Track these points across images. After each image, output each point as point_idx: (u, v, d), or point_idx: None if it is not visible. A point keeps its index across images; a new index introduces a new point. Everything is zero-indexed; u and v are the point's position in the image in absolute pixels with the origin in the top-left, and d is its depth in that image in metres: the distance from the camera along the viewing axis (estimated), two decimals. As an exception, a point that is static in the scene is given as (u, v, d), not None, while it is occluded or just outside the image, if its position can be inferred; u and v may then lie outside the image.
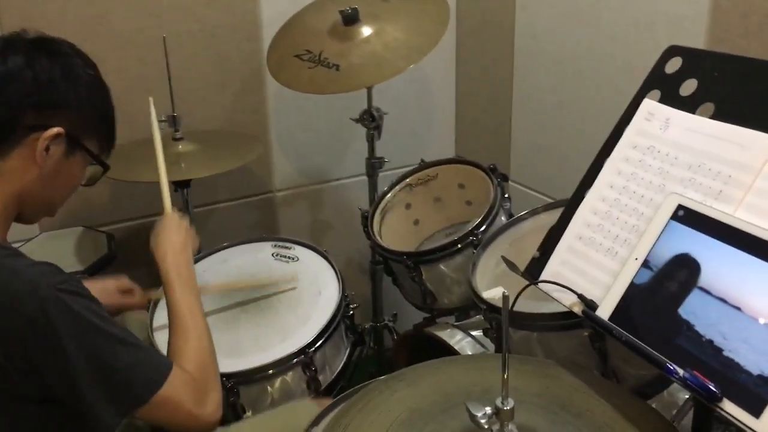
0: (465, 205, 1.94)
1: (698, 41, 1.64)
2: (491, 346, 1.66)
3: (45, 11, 1.92)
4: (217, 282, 1.69)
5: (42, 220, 1.26)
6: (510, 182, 1.95)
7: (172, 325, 1.23)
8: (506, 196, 1.76)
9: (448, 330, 1.74)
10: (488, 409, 0.84)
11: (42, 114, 1.09)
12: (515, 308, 1.33)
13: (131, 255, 2.17)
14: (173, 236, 1.34)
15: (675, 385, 1.38)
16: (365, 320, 2.13)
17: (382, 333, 2.27)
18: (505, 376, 0.84)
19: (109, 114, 1.20)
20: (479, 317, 1.80)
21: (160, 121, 1.87)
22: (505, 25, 2.24)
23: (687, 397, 1.28)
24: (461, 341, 1.69)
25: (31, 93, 1.07)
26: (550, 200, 2.16)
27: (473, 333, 1.72)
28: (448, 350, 1.69)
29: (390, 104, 2.09)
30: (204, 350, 1.20)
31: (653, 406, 1.15)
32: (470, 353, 1.64)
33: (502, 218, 1.73)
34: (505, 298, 0.83)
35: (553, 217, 1.55)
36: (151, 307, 1.67)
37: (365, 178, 2.20)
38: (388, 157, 2.12)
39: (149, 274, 2.25)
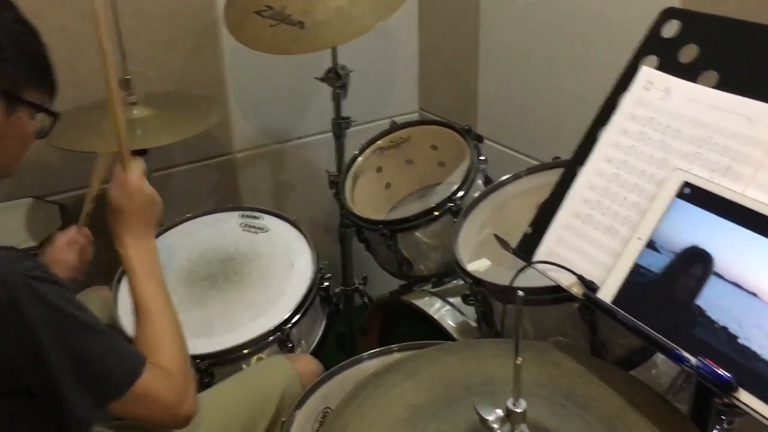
0: (437, 167, 1.88)
1: (674, -4, 1.59)
2: (471, 314, 1.63)
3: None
4: None
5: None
6: (481, 140, 1.89)
7: (139, 316, 1.14)
8: (482, 158, 1.70)
9: (426, 298, 1.70)
10: (499, 412, 0.80)
11: None
12: (501, 282, 1.30)
13: (88, 226, 2.08)
14: (136, 215, 1.20)
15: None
16: (335, 284, 2.08)
17: (353, 296, 2.22)
18: (517, 383, 0.79)
19: (42, 57, 1.07)
20: (456, 283, 1.77)
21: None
22: (470, -26, 2.15)
23: (676, 376, 1.27)
24: (440, 310, 1.65)
25: None
26: (520, 156, 2.13)
27: (451, 300, 1.69)
28: (426, 319, 1.65)
29: (351, 59, 1.99)
30: (176, 342, 1.13)
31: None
32: (451, 323, 1.61)
33: (479, 181, 1.68)
34: (519, 298, 0.77)
35: (534, 182, 1.53)
36: (114, 285, 1.59)
37: (327, 135, 2.11)
38: (352, 114, 2.03)
39: (107, 245, 2.17)
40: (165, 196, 1.44)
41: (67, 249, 1.42)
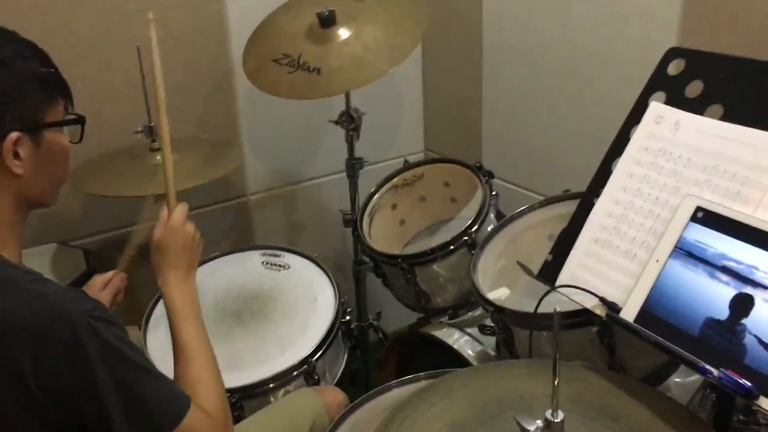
0: (450, 203, 1.95)
1: (670, 33, 1.68)
2: (488, 343, 1.69)
3: (5, 19, 1.84)
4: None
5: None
6: (489, 178, 1.96)
7: (179, 355, 1.17)
8: (494, 193, 1.78)
9: (445, 329, 1.75)
10: (539, 422, 0.86)
11: None
12: (523, 309, 1.36)
13: (110, 269, 2.13)
14: (179, 255, 1.24)
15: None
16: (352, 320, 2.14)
17: (367, 332, 2.27)
18: (555, 396, 0.85)
19: (51, 71, 1.10)
20: (471, 314, 1.83)
21: (135, 132, 1.82)
22: (472, 18, 2.25)
23: (697, 390, 1.32)
24: (459, 340, 1.71)
25: None
26: (525, 191, 2.20)
27: (468, 330, 1.74)
28: (445, 349, 1.70)
29: (359, 101, 2.07)
30: (215, 383, 1.16)
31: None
32: (470, 352, 1.66)
33: (491, 215, 1.75)
34: (556, 314, 0.84)
35: (547, 214, 1.60)
36: (143, 325, 1.64)
37: (337, 176, 2.18)
38: (360, 154, 2.10)
39: (129, 288, 2.21)
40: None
41: (103, 290, 1.47)
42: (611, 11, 1.81)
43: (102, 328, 0.98)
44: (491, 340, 1.65)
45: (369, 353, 2.28)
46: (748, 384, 0.88)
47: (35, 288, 1.00)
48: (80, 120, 1.15)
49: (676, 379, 1.49)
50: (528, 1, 2.04)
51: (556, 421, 0.85)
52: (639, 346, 1.24)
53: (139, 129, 1.82)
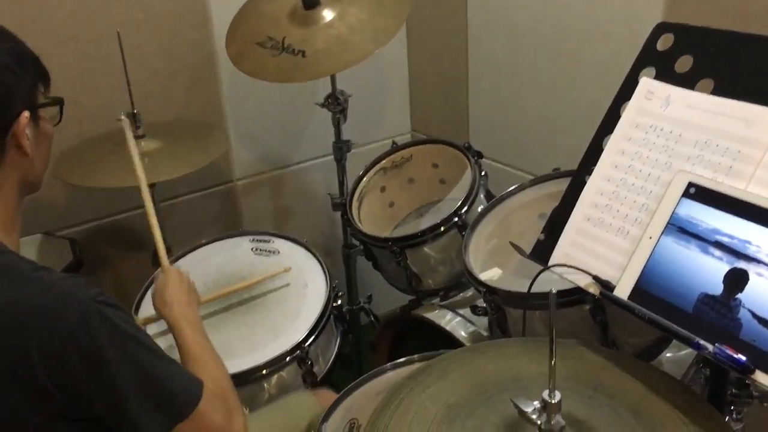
0: (438, 184, 1.94)
1: (656, 6, 1.67)
2: (481, 324, 1.69)
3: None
4: (209, 294, 1.63)
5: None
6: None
7: (186, 358, 1.20)
8: (483, 173, 1.77)
9: (437, 311, 1.75)
10: (536, 404, 0.85)
11: (6, 107, 1.03)
12: (515, 289, 1.36)
13: (97, 259, 2.12)
14: (177, 293, 1.34)
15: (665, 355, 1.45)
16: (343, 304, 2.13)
17: (358, 315, 2.26)
18: (552, 377, 0.85)
19: (36, 59, 1.12)
20: (462, 295, 1.82)
21: (117, 120, 1.79)
22: (456, -2, 2.23)
23: (691, 365, 1.33)
24: (451, 321, 1.70)
25: None
26: (514, 171, 2.19)
27: (461, 312, 1.74)
28: (438, 331, 1.70)
29: (344, 84, 2.05)
30: (223, 376, 1.17)
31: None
32: (463, 333, 1.66)
33: (481, 196, 1.74)
34: (551, 294, 0.83)
35: (537, 193, 1.59)
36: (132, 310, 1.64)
37: (324, 160, 2.17)
38: (346, 136, 2.09)
39: (115, 278, 2.20)
40: (170, 225, 1.50)
41: None
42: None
43: (110, 313, 0.98)
44: (483, 321, 1.65)
45: (361, 336, 2.28)
46: (743, 358, 0.88)
47: (38, 276, 0.99)
48: (61, 102, 1.16)
49: (668, 354, 1.50)
50: (512, -21, 2.03)
51: (553, 402, 0.84)
52: (631, 323, 1.24)
53: (121, 117, 1.78)
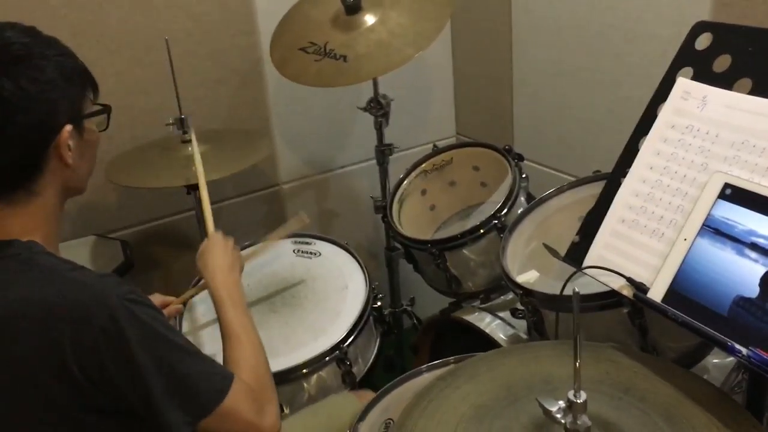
0: (480, 187, 1.94)
1: (703, 5, 1.64)
2: (520, 326, 1.68)
3: (36, 17, 1.87)
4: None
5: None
6: (521, 160, 1.95)
7: (226, 341, 1.23)
8: (524, 176, 1.76)
9: (476, 313, 1.75)
10: (561, 403, 0.85)
11: (48, 125, 1.07)
12: (551, 291, 1.35)
13: (147, 260, 2.18)
14: (219, 258, 1.38)
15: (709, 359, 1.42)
16: (384, 306, 2.15)
17: (401, 318, 2.28)
18: (578, 377, 0.85)
19: (81, 64, 1.15)
20: (503, 298, 1.82)
21: (167, 124, 1.85)
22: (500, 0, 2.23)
23: (732, 370, 1.30)
24: (491, 324, 1.70)
25: (27, 121, 1.04)
26: (558, 173, 2.18)
27: (500, 314, 1.73)
28: (477, 334, 1.70)
29: (388, 89, 2.07)
30: (260, 363, 1.20)
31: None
32: (502, 335, 1.65)
33: (522, 198, 1.73)
34: (575, 294, 0.83)
35: (576, 196, 1.58)
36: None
37: (368, 164, 2.19)
38: (393, 141, 2.11)
39: (165, 278, 2.26)
40: (218, 227, 1.54)
41: None
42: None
43: (139, 311, 1.01)
44: (523, 324, 1.64)
45: (404, 339, 2.29)
46: (778, 362, 0.86)
47: (74, 275, 1.04)
48: (108, 109, 1.20)
49: (714, 360, 1.47)
50: (556, -20, 2.02)
51: (578, 401, 0.84)
52: (671, 326, 1.22)
53: (171, 121, 1.85)
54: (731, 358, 1.46)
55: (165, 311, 1.52)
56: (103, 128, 1.20)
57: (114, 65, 1.99)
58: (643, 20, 1.79)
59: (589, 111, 2.02)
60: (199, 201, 1.63)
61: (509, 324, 1.69)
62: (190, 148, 1.87)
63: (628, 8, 1.82)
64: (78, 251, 1.99)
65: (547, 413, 0.85)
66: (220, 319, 1.27)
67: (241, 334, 1.23)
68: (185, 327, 1.66)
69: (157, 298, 1.53)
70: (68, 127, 1.08)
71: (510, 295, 1.80)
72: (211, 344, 1.53)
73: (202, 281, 1.42)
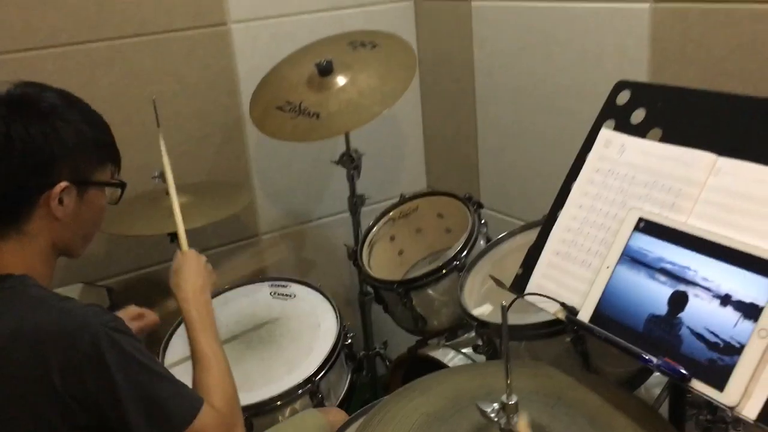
0: (445, 233, 2.09)
1: (641, 69, 1.83)
2: (482, 360, 1.80)
3: (32, 78, 2.03)
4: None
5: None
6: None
7: (195, 363, 1.33)
8: (483, 222, 1.91)
9: (441, 350, 1.88)
10: (495, 405, 0.98)
11: (43, 175, 1.18)
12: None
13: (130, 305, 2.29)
14: (192, 275, 1.44)
15: (651, 381, 1.54)
16: (357, 350, 2.26)
17: (374, 360, 2.39)
18: (508, 379, 0.98)
19: (107, 140, 1.27)
20: (467, 335, 1.95)
21: (152, 177, 1.99)
22: (464, 64, 2.42)
23: (662, 389, 1.43)
24: (454, 358, 1.83)
25: (22, 163, 1.16)
26: (518, 221, 2.33)
27: (463, 350, 1.86)
28: (442, 368, 1.82)
29: (363, 144, 2.24)
30: (228, 386, 1.30)
31: (634, 397, 1.29)
32: (464, 368, 1.77)
33: (481, 242, 1.88)
34: (502, 307, 0.97)
35: (527, 238, 1.73)
36: (162, 345, 1.78)
37: (344, 215, 2.34)
38: (366, 193, 2.26)
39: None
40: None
41: (133, 320, 1.61)
42: (587, 50, 1.96)
43: (119, 338, 1.13)
44: (483, 359, 1.77)
45: (378, 382, 2.40)
46: (682, 370, 1.00)
47: (60, 305, 1.16)
48: (122, 185, 1.33)
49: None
50: (513, 45, 2.21)
51: (510, 403, 0.97)
52: (609, 352, 1.36)
53: (156, 174, 1.98)
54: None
55: (143, 321, 1.61)
56: (113, 202, 1.33)
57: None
58: (591, 82, 1.97)
59: (545, 163, 2.19)
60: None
61: (470, 359, 1.81)
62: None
63: (578, 71, 2.00)
64: (66, 297, 2.09)
65: (484, 414, 0.98)
66: (190, 341, 1.35)
67: (212, 358, 1.31)
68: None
69: (133, 310, 1.62)
70: (63, 184, 1.18)
71: (473, 333, 1.92)
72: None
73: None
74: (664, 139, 1.19)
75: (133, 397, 1.12)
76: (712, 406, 1.29)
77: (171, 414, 1.16)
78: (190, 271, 1.45)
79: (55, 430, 1.12)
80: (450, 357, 1.84)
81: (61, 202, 1.20)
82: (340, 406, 1.76)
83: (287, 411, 1.67)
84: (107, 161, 1.29)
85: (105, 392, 1.12)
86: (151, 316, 1.65)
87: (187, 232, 1.96)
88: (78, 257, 1.31)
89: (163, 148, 1.71)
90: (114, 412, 1.12)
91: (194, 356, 1.34)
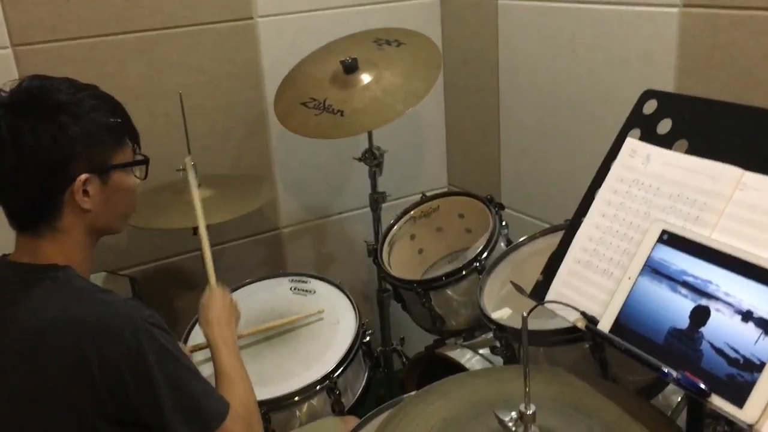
0: (465, 233, 2.10)
1: (668, 75, 1.82)
2: (499, 362, 1.81)
3: (62, 72, 2.06)
4: (250, 328, 1.83)
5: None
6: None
7: (219, 380, 1.37)
8: (504, 223, 1.92)
9: (458, 350, 1.88)
10: (513, 414, 0.99)
11: (60, 174, 1.19)
12: (520, 327, 1.49)
13: (154, 297, 2.32)
14: (218, 310, 1.52)
15: (669, 389, 1.54)
16: (374, 345, 2.28)
17: (391, 356, 2.40)
18: (527, 389, 0.99)
19: (119, 121, 1.26)
20: (485, 336, 1.96)
21: (177, 170, 2.01)
22: (489, 63, 2.42)
23: (680, 398, 1.43)
24: (471, 359, 1.83)
25: (37, 168, 1.17)
26: (539, 222, 2.34)
27: (481, 351, 1.87)
28: (459, 368, 1.83)
29: (385, 141, 2.25)
30: (250, 399, 1.35)
31: (651, 406, 1.29)
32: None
33: (502, 244, 1.88)
34: (523, 319, 0.98)
35: (549, 242, 1.73)
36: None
37: (364, 210, 2.35)
38: (387, 190, 2.27)
39: (170, 313, 2.39)
40: (220, 268, 1.69)
41: None
42: (613, 53, 1.95)
43: (158, 333, 1.16)
44: (500, 360, 1.77)
45: (394, 377, 2.42)
46: (702, 385, 1.00)
47: (102, 297, 1.19)
48: (145, 160, 1.35)
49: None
50: (539, 46, 2.20)
51: (528, 413, 0.98)
52: (629, 360, 1.36)
53: (181, 167, 2.00)
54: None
55: None
56: (142, 177, 1.35)
57: (131, 115, 2.16)
58: (617, 86, 1.96)
59: (567, 165, 2.19)
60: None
61: (487, 359, 1.82)
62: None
63: (603, 74, 2.00)
64: (90, 286, 2.13)
65: (501, 422, 0.98)
66: (215, 362, 1.41)
67: (234, 374, 1.38)
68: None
69: None
70: (83, 177, 1.20)
71: (491, 334, 1.93)
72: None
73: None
74: (690, 151, 1.18)
75: (169, 390, 1.15)
76: (729, 420, 1.29)
77: (205, 410, 1.20)
78: (217, 307, 1.52)
79: (87, 419, 1.15)
80: (467, 358, 1.84)
81: (86, 193, 1.21)
82: (357, 403, 1.78)
83: (304, 407, 1.69)
84: (124, 141, 1.29)
85: (142, 384, 1.14)
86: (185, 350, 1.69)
87: (209, 226, 2.00)
88: (122, 231, 1.34)
89: (192, 181, 1.79)
90: (149, 404, 1.15)
91: (218, 374, 1.39)
